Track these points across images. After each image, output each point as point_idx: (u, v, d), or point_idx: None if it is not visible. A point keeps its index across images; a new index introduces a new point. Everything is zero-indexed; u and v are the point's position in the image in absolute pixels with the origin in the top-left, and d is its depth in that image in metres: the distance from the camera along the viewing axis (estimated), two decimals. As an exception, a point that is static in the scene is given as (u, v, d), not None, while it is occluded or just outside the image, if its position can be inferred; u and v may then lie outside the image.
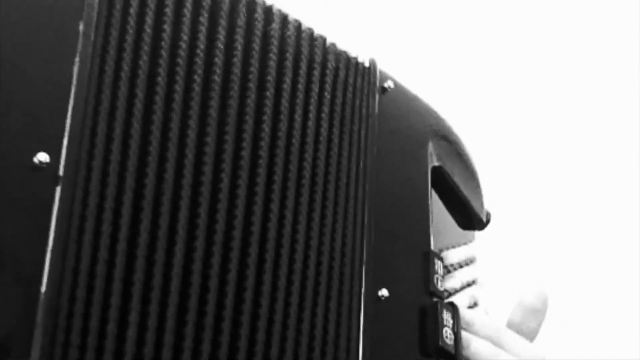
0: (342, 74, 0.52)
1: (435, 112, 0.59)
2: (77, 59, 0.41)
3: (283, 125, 0.47)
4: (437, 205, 0.58)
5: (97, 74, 0.41)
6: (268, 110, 0.47)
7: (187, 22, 0.45)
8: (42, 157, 0.39)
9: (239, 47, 0.46)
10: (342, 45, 0.54)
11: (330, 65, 0.52)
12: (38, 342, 0.36)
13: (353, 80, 0.53)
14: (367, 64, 0.54)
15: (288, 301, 0.44)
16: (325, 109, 0.50)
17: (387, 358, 0.47)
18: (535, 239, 1.13)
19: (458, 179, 0.58)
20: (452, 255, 0.56)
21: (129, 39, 0.43)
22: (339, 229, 0.48)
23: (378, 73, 0.54)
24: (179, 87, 0.43)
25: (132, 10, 0.43)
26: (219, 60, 0.45)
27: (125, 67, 0.42)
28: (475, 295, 0.57)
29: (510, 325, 0.53)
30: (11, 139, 0.39)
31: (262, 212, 0.45)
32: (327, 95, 0.51)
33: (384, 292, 0.48)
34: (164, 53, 0.43)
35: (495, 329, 0.52)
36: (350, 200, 0.49)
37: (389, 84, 0.55)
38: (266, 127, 0.46)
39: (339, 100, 0.51)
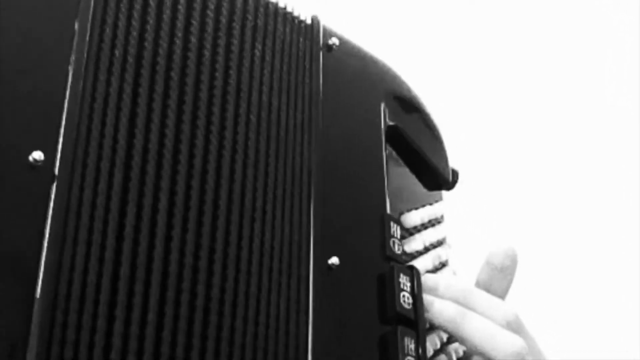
0: (280, 33, 0.50)
1: (389, 71, 0.57)
2: (72, 58, 0.41)
3: (217, 92, 0.46)
4: (399, 167, 0.56)
5: (92, 72, 0.41)
6: (204, 77, 0.45)
7: (181, 18, 0.46)
8: (37, 155, 0.38)
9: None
10: (283, 4, 0.51)
11: (268, 25, 0.49)
12: (35, 340, 0.36)
13: (294, 40, 0.50)
14: (308, 21, 0.52)
15: (212, 270, 0.42)
16: (265, 72, 0.48)
17: (343, 329, 0.45)
18: (534, 238, 1.11)
19: (418, 138, 0.56)
20: (413, 217, 0.53)
21: (121, 36, 0.43)
22: (282, 195, 0.45)
23: (321, 30, 0.52)
24: (159, 83, 0.44)
25: (124, 9, 0.44)
26: (207, 54, 0.46)
27: (117, 65, 0.42)
28: (441, 255, 0.55)
29: (478, 285, 0.51)
30: (6, 137, 0.39)
31: (214, 182, 0.44)
32: (267, 58, 0.48)
33: (334, 261, 0.46)
34: (148, 47, 0.44)
35: (461, 289, 0.50)
36: (296, 166, 0.47)
37: (333, 41, 0.52)
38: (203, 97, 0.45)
39: (278, 62, 0.49)
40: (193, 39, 0.46)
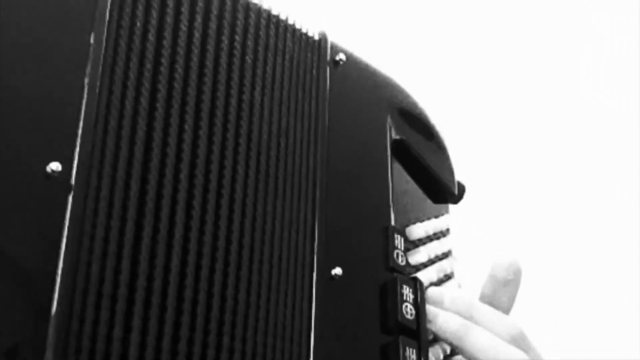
0: (289, 49, 0.51)
1: (394, 85, 0.57)
2: (88, 69, 0.42)
3: (233, 109, 0.47)
4: (406, 180, 0.57)
5: (108, 84, 0.42)
6: (206, 94, 0.46)
7: (195, 32, 0.46)
8: (55, 166, 0.39)
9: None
10: (291, 19, 0.52)
11: (278, 42, 0.50)
12: (51, 351, 0.36)
13: (302, 56, 0.51)
14: (316, 38, 0.53)
15: (225, 283, 0.43)
16: (274, 87, 0.49)
17: (344, 338, 0.46)
18: (538, 247, 1.11)
19: (423, 152, 0.57)
20: (418, 229, 0.54)
21: (136, 48, 0.44)
22: (287, 206, 0.46)
23: (329, 46, 0.53)
24: (176, 93, 0.45)
25: (139, 21, 0.45)
26: (223, 71, 0.47)
27: (132, 77, 0.43)
28: (446, 268, 0.55)
29: (482, 299, 0.51)
30: (25, 148, 0.39)
31: (216, 193, 0.44)
32: (276, 74, 0.50)
33: (337, 271, 0.46)
34: (164, 62, 0.45)
35: (466, 302, 0.50)
36: (302, 178, 0.48)
37: (340, 57, 0.53)
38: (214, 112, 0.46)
39: (286, 78, 0.50)
40: (209, 55, 0.47)
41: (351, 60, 0.54)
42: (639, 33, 1.21)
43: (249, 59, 0.48)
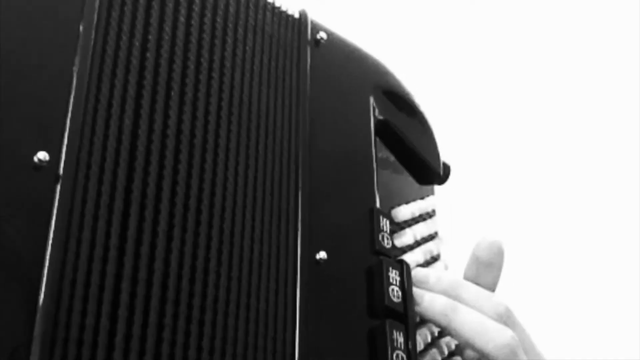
0: (269, 28, 0.50)
1: (378, 65, 0.56)
2: (77, 59, 0.41)
3: (214, 92, 0.46)
4: (391, 162, 0.56)
5: (97, 74, 0.42)
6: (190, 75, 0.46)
7: (180, 16, 0.46)
8: (42, 155, 0.39)
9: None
10: (270, -1, 0.51)
11: (257, 20, 0.49)
12: (38, 342, 0.36)
13: (282, 35, 0.50)
14: (297, 16, 0.52)
15: (207, 269, 0.42)
16: (253, 67, 0.48)
17: (331, 323, 0.45)
18: (530, 233, 1.11)
19: (408, 133, 0.56)
20: (403, 211, 0.53)
21: (125, 38, 0.44)
22: (269, 190, 0.45)
23: (309, 25, 0.52)
24: (161, 82, 0.44)
25: (127, 11, 0.44)
26: (206, 55, 0.46)
27: (121, 66, 0.43)
28: (433, 249, 0.55)
29: (466, 280, 0.51)
30: (12, 138, 0.39)
31: (198, 178, 0.44)
32: (255, 52, 0.48)
33: (322, 255, 0.45)
34: (153, 50, 0.45)
35: (451, 281, 0.49)
36: (284, 160, 0.47)
37: (321, 35, 0.52)
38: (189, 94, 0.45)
39: (266, 57, 0.49)
40: (193, 40, 0.46)
41: (332, 39, 0.53)
42: (639, 33, 1.21)
43: (229, 39, 0.48)
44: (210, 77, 0.46)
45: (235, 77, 0.47)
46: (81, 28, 0.42)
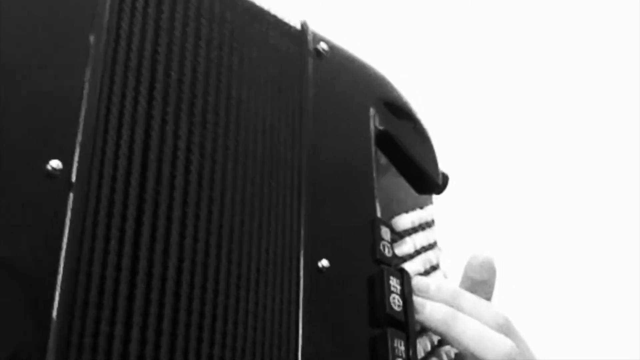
0: (271, 40, 0.50)
1: (378, 76, 0.57)
2: (88, 70, 0.42)
3: (211, 99, 0.46)
4: (390, 172, 0.57)
5: (108, 83, 0.42)
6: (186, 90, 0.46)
7: (191, 29, 0.47)
8: (55, 164, 0.39)
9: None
10: (272, 10, 0.52)
11: (259, 32, 0.50)
12: (52, 350, 0.36)
13: (284, 46, 0.51)
14: (298, 27, 0.52)
15: (218, 278, 0.42)
16: (257, 79, 0.49)
17: (332, 331, 0.45)
18: (528, 240, 1.12)
19: (408, 143, 0.56)
20: (404, 220, 0.54)
21: (135, 49, 0.44)
22: (272, 199, 0.46)
23: (311, 36, 0.52)
24: (172, 94, 0.45)
25: (137, 22, 0.45)
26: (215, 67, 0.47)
27: (131, 76, 0.43)
28: (432, 258, 0.55)
29: None
30: (25, 146, 0.39)
31: (209, 189, 0.44)
32: (258, 64, 0.49)
33: (324, 263, 0.46)
34: (162, 61, 0.45)
35: (452, 291, 0.50)
36: (287, 170, 0.47)
37: (322, 46, 0.53)
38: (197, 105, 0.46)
39: (269, 69, 0.49)
40: (201, 52, 0.47)
41: (334, 50, 0.53)
42: (639, 33, 1.22)
43: (235, 52, 0.48)
44: (218, 90, 0.47)
45: (242, 90, 0.48)
46: (92, 38, 0.43)
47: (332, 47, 0.53)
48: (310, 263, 0.45)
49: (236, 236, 0.44)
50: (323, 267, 0.46)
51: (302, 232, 0.46)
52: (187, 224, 0.42)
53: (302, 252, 0.45)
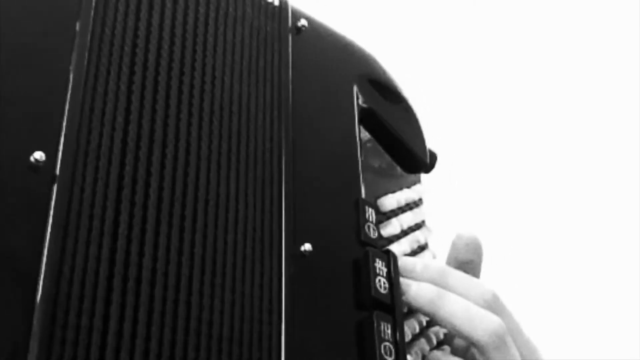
0: (249, 17, 0.49)
1: (361, 52, 0.56)
2: (73, 58, 0.41)
3: (187, 81, 0.45)
4: (377, 151, 0.55)
5: (93, 73, 0.42)
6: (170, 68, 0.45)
7: (169, 11, 0.46)
8: (39, 155, 0.38)
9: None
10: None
11: (236, 9, 0.48)
12: (36, 342, 0.36)
13: (263, 23, 0.49)
14: (276, 3, 0.51)
15: (193, 265, 0.41)
16: (234, 56, 0.47)
17: (317, 316, 0.44)
18: (522, 223, 1.11)
19: (393, 121, 0.55)
20: (389, 201, 0.53)
21: (118, 36, 0.44)
22: (251, 181, 0.45)
23: (290, 12, 0.51)
24: (149, 78, 0.44)
25: (121, 9, 0.44)
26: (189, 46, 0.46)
27: (114, 66, 0.43)
28: (420, 239, 0.54)
29: None
30: (8, 137, 0.39)
31: (183, 171, 0.43)
32: (235, 42, 0.48)
33: (307, 247, 0.45)
34: (142, 47, 0.45)
35: (438, 269, 0.49)
36: (266, 150, 0.46)
37: (302, 23, 0.51)
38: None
39: (247, 46, 0.48)
40: (178, 34, 0.46)
41: (314, 26, 0.52)
42: (639, 33, 1.21)
43: (211, 31, 0.47)
44: (193, 72, 0.46)
45: (220, 71, 0.47)
46: (78, 26, 0.42)
47: (312, 23, 0.52)
48: (292, 248, 0.44)
49: (214, 221, 0.43)
50: (306, 251, 0.45)
51: (283, 216, 0.45)
52: (163, 211, 0.41)
53: (283, 237, 0.44)
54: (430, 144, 0.60)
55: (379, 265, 0.47)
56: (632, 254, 1.13)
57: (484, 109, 1.17)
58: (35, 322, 0.36)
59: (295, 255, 0.44)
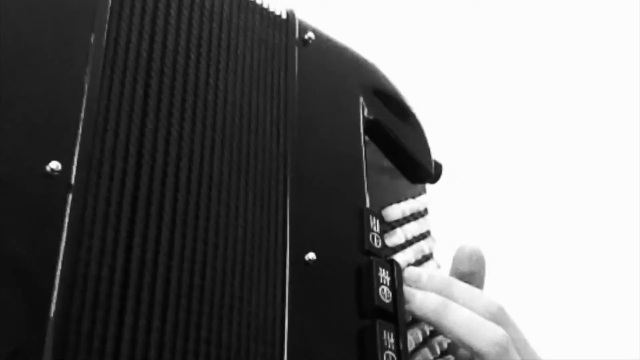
0: (257, 29, 0.49)
1: (366, 64, 0.56)
2: (88, 70, 0.42)
3: (201, 94, 0.46)
4: (381, 161, 0.56)
5: (107, 85, 0.42)
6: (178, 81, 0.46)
7: (184, 24, 0.47)
8: (54, 165, 0.39)
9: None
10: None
11: (246, 21, 0.49)
12: (49, 350, 0.36)
13: (270, 35, 0.50)
14: (284, 16, 0.52)
15: (204, 274, 0.42)
16: (244, 69, 0.48)
17: (320, 324, 0.44)
18: (525, 232, 1.11)
19: (398, 132, 0.56)
20: (394, 211, 0.53)
21: (133, 48, 0.44)
22: (258, 190, 0.45)
23: (297, 25, 0.51)
24: (165, 88, 0.45)
25: (136, 22, 0.45)
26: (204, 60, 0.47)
27: (129, 76, 0.43)
28: (424, 248, 0.54)
29: None
30: (25, 147, 0.39)
31: (198, 182, 0.44)
32: (243, 54, 0.48)
33: (311, 256, 0.45)
34: (157, 59, 0.45)
35: (444, 280, 0.49)
36: (272, 160, 0.47)
37: (309, 35, 0.52)
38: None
39: (255, 59, 0.49)
40: (193, 48, 0.47)
41: (320, 38, 0.53)
42: (639, 33, 1.21)
43: (223, 44, 0.48)
44: (207, 84, 0.46)
45: (229, 82, 0.47)
46: (92, 39, 0.43)
47: (319, 36, 0.53)
48: (296, 256, 0.45)
49: (221, 231, 0.43)
50: (310, 260, 0.45)
51: (288, 225, 0.45)
52: (177, 221, 0.42)
53: (288, 246, 0.45)
54: (436, 154, 0.60)
55: (383, 274, 0.47)
56: (632, 254, 1.12)
57: (490, 119, 1.17)
58: (49, 331, 0.36)
59: (299, 263, 0.45)
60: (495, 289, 0.53)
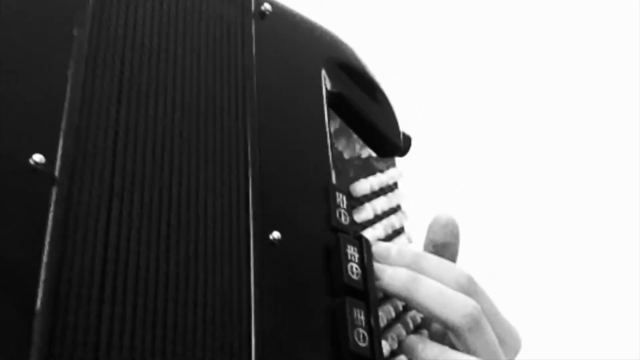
0: (211, 4, 0.48)
1: (329, 37, 0.55)
2: (72, 62, 0.41)
3: (162, 75, 0.45)
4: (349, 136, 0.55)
5: (91, 76, 0.42)
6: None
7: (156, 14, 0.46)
8: (38, 158, 0.38)
9: None
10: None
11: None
12: (37, 345, 0.35)
13: (225, 10, 0.48)
14: None
15: (168, 259, 0.40)
16: (199, 46, 0.47)
17: (289, 305, 0.43)
18: (532, 235, 1.10)
19: (364, 105, 0.54)
20: (362, 186, 0.52)
21: (113, 39, 0.44)
22: (217, 170, 0.44)
23: None
24: (143, 79, 0.44)
25: (121, 13, 0.45)
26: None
27: (111, 69, 0.43)
28: (395, 223, 0.53)
29: None
30: (7, 140, 0.39)
31: (151, 159, 0.43)
32: (196, 29, 0.47)
33: (276, 235, 0.44)
34: (139, 48, 0.45)
35: (413, 255, 0.48)
36: (231, 138, 0.45)
37: (266, 7, 0.50)
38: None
39: (211, 35, 0.47)
40: (147, 32, 0.46)
41: (278, 10, 0.51)
42: (639, 33, 1.20)
43: (179, 24, 0.47)
44: (158, 59, 0.45)
45: (179, 56, 0.46)
46: (75, 31, 0.42)
47: (277, 7, 0.51)
48: (260, 236, 0.43)
49: (183, 213, 0.42)
50: (275, 239, 0.44)
51: (251, 205, 0.44)
52: (145, 208, 0.41)
53: (251, 226, 0.43)
54: (405, 127, 0.59)
55: (351, 251, 0.46)
56: (632, 254, 1.12)
57: (462, 90, 1.17)
58: (35, 325, 0.35)
59: (264, 243, 0.43)
60: (473, 269, 0.52)
